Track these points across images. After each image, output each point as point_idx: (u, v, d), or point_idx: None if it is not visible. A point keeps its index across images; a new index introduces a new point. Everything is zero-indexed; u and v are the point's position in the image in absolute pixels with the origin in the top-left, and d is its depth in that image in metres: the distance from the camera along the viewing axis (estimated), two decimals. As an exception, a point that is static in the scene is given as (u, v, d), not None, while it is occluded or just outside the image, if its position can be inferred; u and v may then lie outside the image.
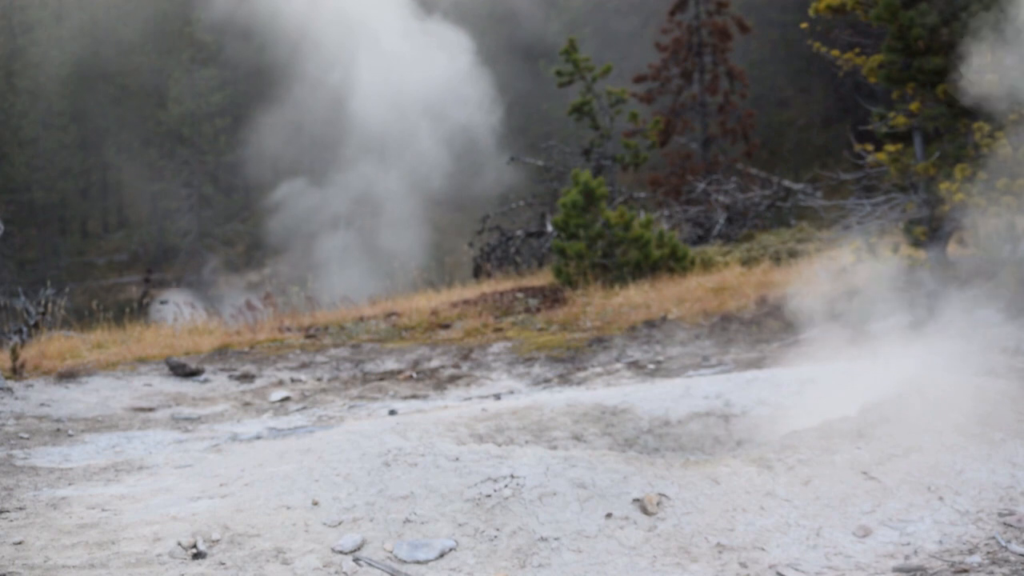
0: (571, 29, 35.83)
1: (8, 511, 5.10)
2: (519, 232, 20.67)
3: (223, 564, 4.20)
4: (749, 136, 27.20)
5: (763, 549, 4.30)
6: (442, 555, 4.26)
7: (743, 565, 4.18)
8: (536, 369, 10.02)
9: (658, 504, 4.54)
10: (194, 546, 4.36)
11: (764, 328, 10.87)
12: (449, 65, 33.32)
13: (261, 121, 37.97)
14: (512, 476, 4.69)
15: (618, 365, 9.85)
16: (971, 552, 4.29)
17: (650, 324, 11.38)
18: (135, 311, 15.25)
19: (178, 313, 13.70)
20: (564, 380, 9.44)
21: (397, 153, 34.42)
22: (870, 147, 11.06)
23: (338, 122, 34.57)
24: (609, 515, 4.46)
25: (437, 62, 33.28)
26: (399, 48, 33.59)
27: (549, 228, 19.73)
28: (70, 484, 5.74)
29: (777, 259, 15.67)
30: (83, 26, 45.95)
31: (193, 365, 10.08)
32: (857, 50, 11.47)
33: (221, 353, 11.07)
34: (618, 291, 13.69)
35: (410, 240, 32.34)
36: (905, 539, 4.39)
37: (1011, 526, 4.51)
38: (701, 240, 20.27)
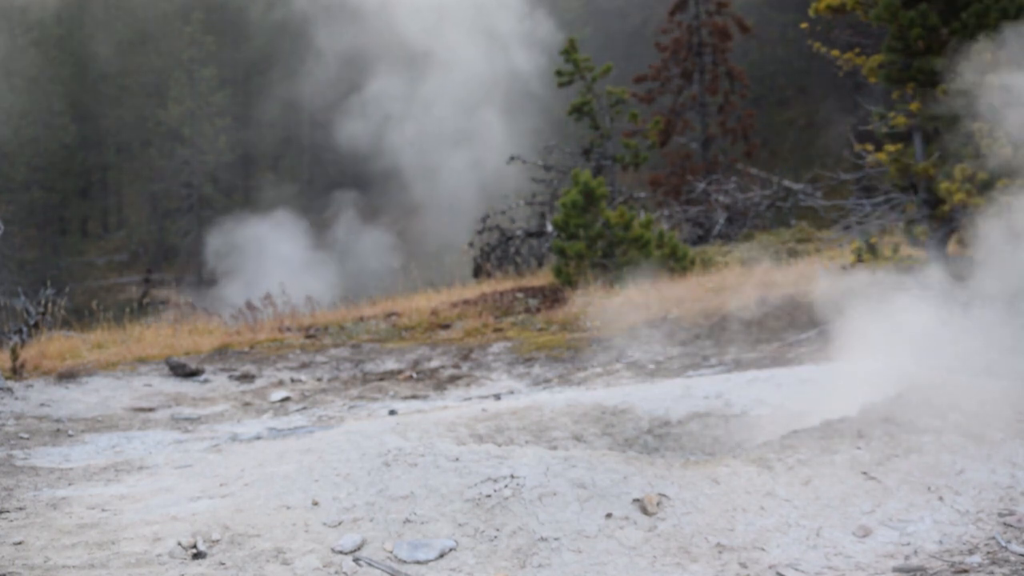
0: (571, 29, 35.87)
1: (8, 511, 5.10)
2: (519, 232, 20.66)
3: (223, 564, 4.20)
4: (749, 136, 27.22)
5: (763, 549, 4.30)
6: (442, 555, 4.26)
7: (743, 565, 4.18)
8: (536, 369, 10.02)
9: (658, 504, 4.53)
10: (194, 546, 4.36)
11: (764, 328, 10.87)
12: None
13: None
14: (512, 476, 4.68)
15: (618, 365, 9.84)
16: (971, 552, 4.29)
17: (650, 324, 11.38)
18: (135, 311, 15.25)
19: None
20: (564, 380, 9.44)
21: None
22: (870, 147, 11.06)
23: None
24: (609, 515, 4.46)
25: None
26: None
27: (549, 228, 19.72)
28: (70, 484, 5.74)
29: (777, 259, 15.67)
30: (84, 26, 45.98)
31: (193, 365, 10.08)
32: (857, 50, 11.49)
33: (221, 353, 11.07)
34: (618, 291, 13.68)
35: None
36: (905, 539, 4.39)
37: (1011, 526, 4.51)
38: (701, 240, 20.28)
